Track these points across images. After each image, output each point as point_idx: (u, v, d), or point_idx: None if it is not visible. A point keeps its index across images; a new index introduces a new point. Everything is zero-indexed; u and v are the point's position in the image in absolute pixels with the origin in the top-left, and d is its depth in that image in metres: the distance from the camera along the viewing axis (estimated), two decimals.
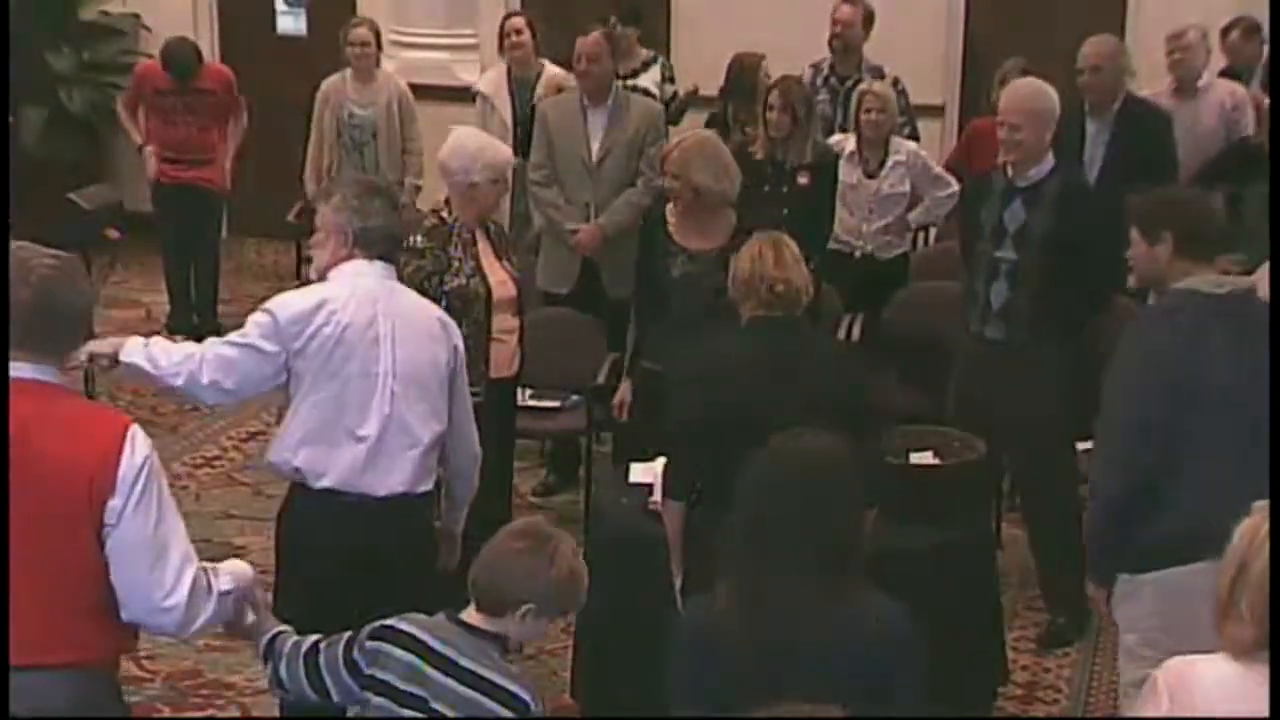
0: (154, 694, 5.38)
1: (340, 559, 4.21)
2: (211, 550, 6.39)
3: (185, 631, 3.45)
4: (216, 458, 7.47)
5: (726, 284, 4.68)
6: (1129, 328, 4.35)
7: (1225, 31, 8.22)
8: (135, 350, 4.23)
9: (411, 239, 5.47)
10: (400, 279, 5.31)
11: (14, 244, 3.44)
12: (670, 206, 5.86)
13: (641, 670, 4.63)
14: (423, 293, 5.31)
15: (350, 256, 4.36)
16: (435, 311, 4.50)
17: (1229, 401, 4.12)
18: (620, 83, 7.94)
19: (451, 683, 3.28)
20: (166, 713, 5.35)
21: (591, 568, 5.19)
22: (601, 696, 5.10)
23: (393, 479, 4.26)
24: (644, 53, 8.63)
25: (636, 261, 6.05)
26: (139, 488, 3.30)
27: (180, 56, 8.63)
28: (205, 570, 3.43)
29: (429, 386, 4.33)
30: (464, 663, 3.30)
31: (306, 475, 4.26)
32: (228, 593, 3.46)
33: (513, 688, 3.30)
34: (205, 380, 4.22)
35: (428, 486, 4.37)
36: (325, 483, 4.25)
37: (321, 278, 4.40)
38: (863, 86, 7.63)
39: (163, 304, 9.22)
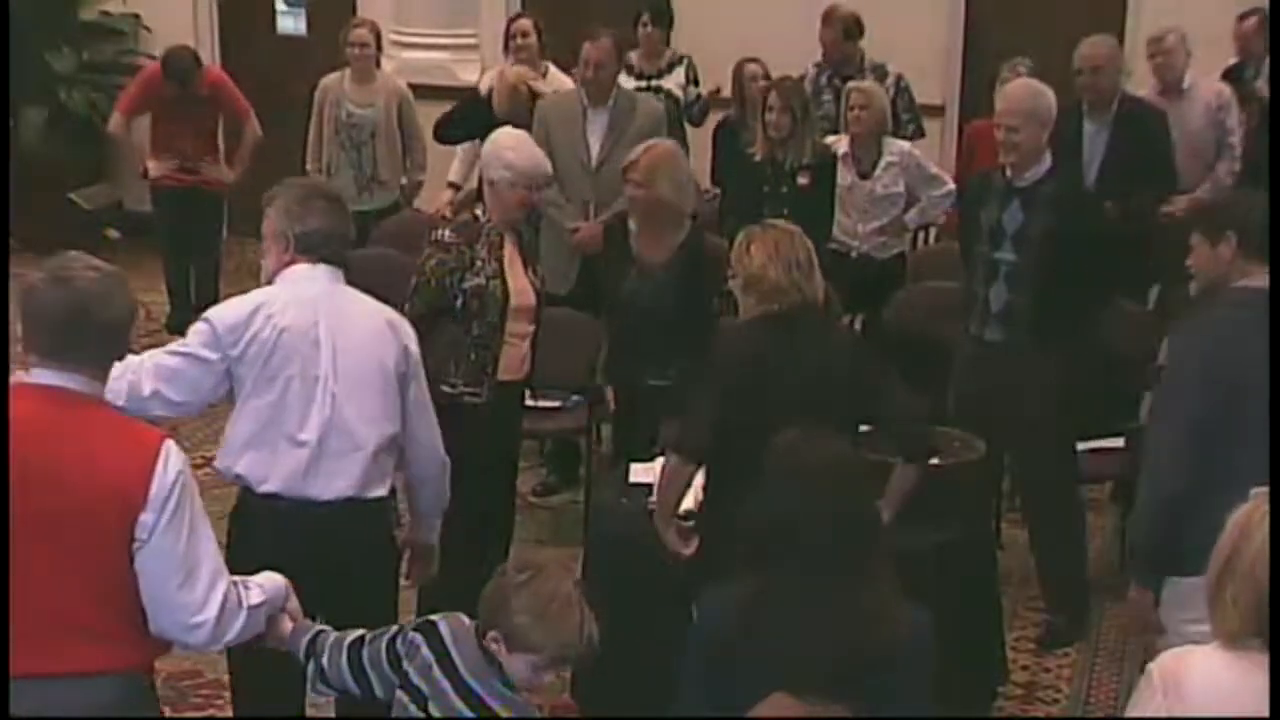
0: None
1: (286, 564, 4.04)
2: None
3: (213, 646, 3.49)
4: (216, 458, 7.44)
5: (670, 300, 4.71)
6: (1187, 326, 4.32)
7: (1240, 20, 8.20)
8: None
9: (439, 233, 5.51)
10: (423, 271, 5.41)
11: (66, 253, 3.44)
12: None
13: (641, 671, 4.65)
14: (442, 288, 5.38)
15: (293, 261, 4.30)
16: (385, 313, 4.36)
17: (1266, 400, 4.06)
18: (645, 83, 7.97)
19: (449, 690, 3.31)
20: (166, 713, 5.34)
21: (591, 568, 5.26)
22: (601, 696, 5.10)
23: (337, 483, 4.20)
24: (670, 53, 8.60)
25: (605, 272, 6.04)
26: (171, 505, 3.30)
27: (180, 64, 8.62)
28: (235, 584, 3.44)
29: (375, 388, 4.25)
30: (465, 675, 3.31)
31: (250, 481, 4.23)
32: (258, 606, 3.47)
33: (501, 712, 3.30)
34: (147, 391, 4.15)
35: (380, 491, 4.28)
36: (268, 488, 4.22)
37: (270, 284, 4.37)
38: (851, 84, 7.63)
39: (163, 304, 9.21)
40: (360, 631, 3.50)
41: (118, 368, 4.08)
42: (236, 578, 3.48)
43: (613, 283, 5.89)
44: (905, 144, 7.62)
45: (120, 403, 3.97)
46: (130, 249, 9.09)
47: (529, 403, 6.35)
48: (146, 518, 3.28)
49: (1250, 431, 4.08)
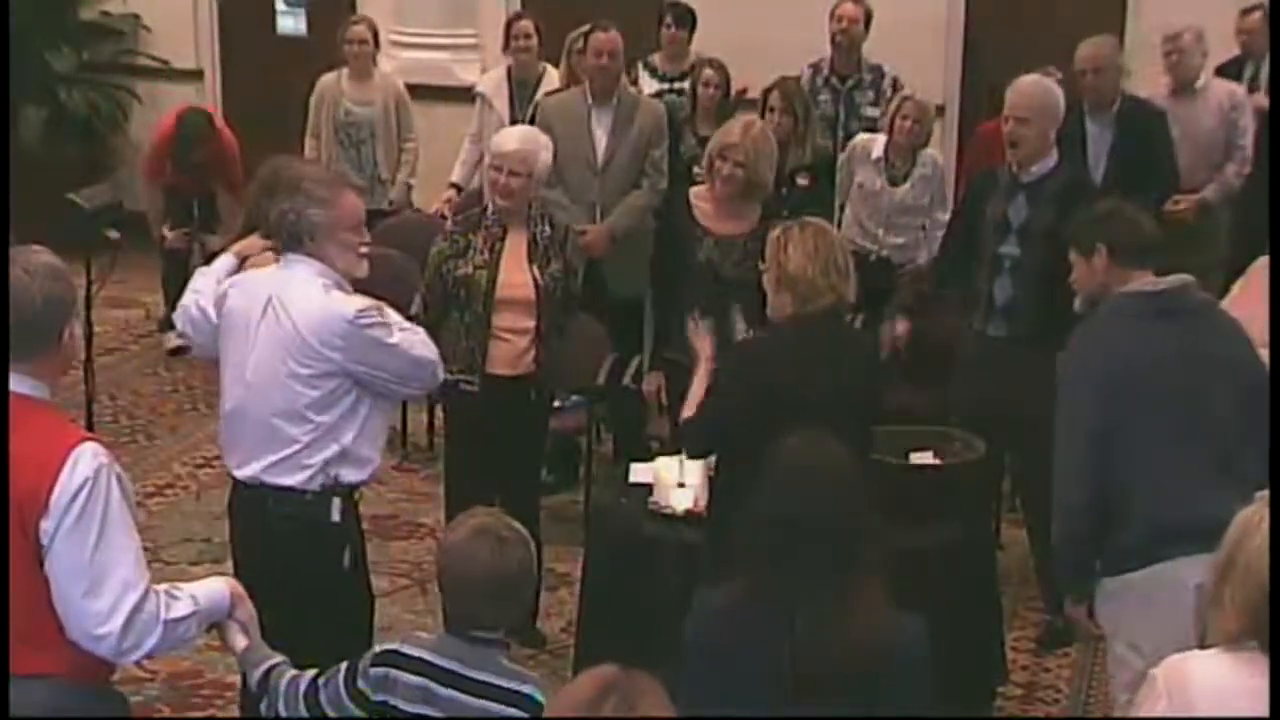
0: (154, 694, 5.38)
1: (237, 540, 4.54)
2: (212, 550, 6.40)
3: (124, 659, 3.42)
4: (216, 457, 7.41)
5: (756, 268, 4.69)
6: (1074, 337, 4.40)
7: (1244, 14, 8.17)
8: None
9: (448, 223, 5.71)
10: (429, 260, 5.60)
11: (26, 247, 3.42)
12: (699, 190, 5.84)
13: (642, 670, 4.65)
14: (440, 275, 5.54)
15: None
16: (328, 317, 4.24)
17: (1177, 397, 4.17)
18: (668, 85, 7.95)
19: (461, 696, 3.29)
20: (166, 713, 5.35)
21: (591, 568, 5.26)
22: None
23: (248, 467, 4.36)
24: (693, 55, 8.57)
25: (656, 247, 6.04)
26: (74, 511, 3.24)
27: (193, 127, 8.62)
28: (158, 594, 3.38)
29: (287, 388, 4.26)
30: (471, 674, 3.31)
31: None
32: (182, 619, 3.41)
33: (523, 689, 3.32)
34: (178, 328, 4.78)
35: (289, 481, 4.29)
36: (225, 460, 4.52)
37: None
38: (904, 92, 7.60)
39: (163, 304, 9.23)
40: (312, 672, 3.48)
41: (194, 289, 4.56)
42: (165, 586, 3.42)
43: (671, 257, 5.83)
44: (936, 155, 7.59)
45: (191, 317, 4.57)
46: (130, 249, 9.07)
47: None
48: (47, 525, 3.24)
49: (1149, 433, 4.14)
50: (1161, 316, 4.25)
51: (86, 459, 3.28)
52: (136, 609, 3.31)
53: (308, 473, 4.29)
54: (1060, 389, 4.30)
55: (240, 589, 3.63)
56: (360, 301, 4.29)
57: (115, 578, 3.29)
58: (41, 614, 3.30)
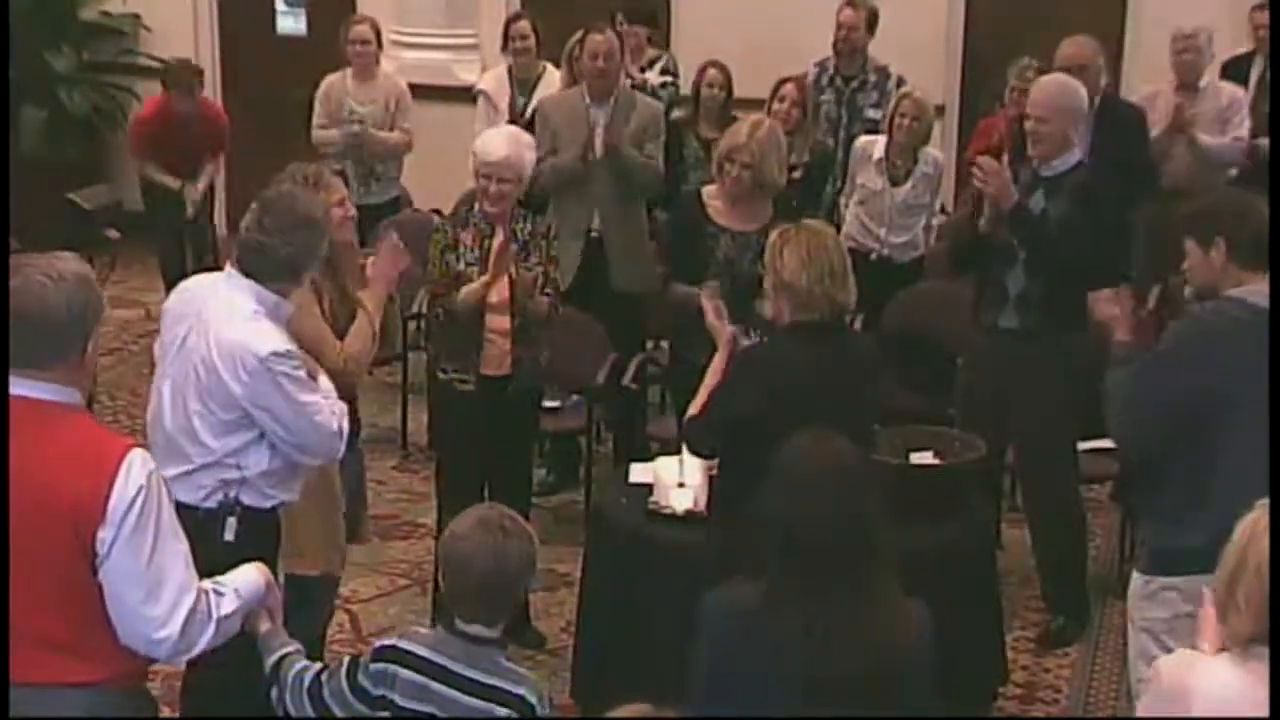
0: (154, 694, 5.36)
1: None
2: None
3: (180, 659, 3.47)
4: None
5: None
6: (1175, 325, 4.34)
7: (1259, 9, 8.17)
8: None
9: (438, 220, 5.69)
10: (427, 256, 5.59)
11: (53, 254, 3.40)
12: (711, 189, 5.84)
13: (641, 671, 4.66)
14: (443, 258, 5.55)
15: None
16: (241, 349, 4.12)
17: (1261, 411, 4.05)
18: (629, 81, 7.96)
19: (458, 695, 3.31)
20: (166, 713, 5.34)
21: (592, 568, 5.27)
22: (601, 697, 5.10)
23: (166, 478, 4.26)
24: (651, 52, 8.58)
25: (676, 248, 6.03)
26: (131, 519, 3.25)
27: (181, 77, 8.65)
28: (207, 594, 3.41)
29: (186, 406, 4.19)
30: (468, 673, 3.32)
31: None
32: (230, 615, 3.45)
33: (519, 690, 3.32)
34: None
35: (187, 499, 4.11)
36: None
37: None
38: (903, 90, 7.60)
39: (162, 303, 9.22)
40: (318, 666, 3.51)
41: None
42: (211, 583, 3.44)
43: (703, 256, 5.77)
44: (937, 154, 7.58)
45: None
46: (130, 249, 9.08)
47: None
48: (105, 533, 3.24)
49: (1228, 441, 4.09)
50: (1261, 329, 4.08)
51: (138, 466, 3.28)
52: (192, 610, 3.35)
53: (203, 492, 4.21)
54: (1158, 354, 4.26)
55: (270, 575, 3.64)
56: (281, 344, 4.15)
57: (171, 582, 3.32)
58: (93, 622, 3.31)
